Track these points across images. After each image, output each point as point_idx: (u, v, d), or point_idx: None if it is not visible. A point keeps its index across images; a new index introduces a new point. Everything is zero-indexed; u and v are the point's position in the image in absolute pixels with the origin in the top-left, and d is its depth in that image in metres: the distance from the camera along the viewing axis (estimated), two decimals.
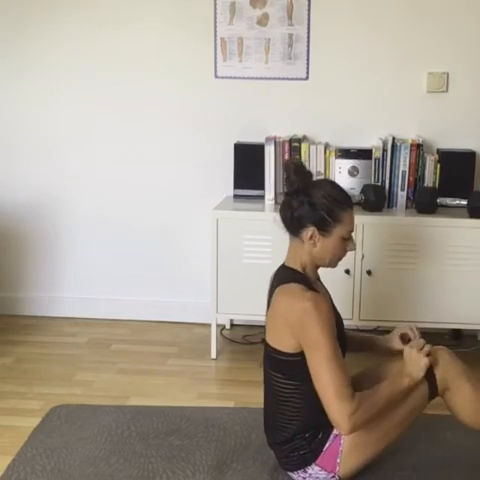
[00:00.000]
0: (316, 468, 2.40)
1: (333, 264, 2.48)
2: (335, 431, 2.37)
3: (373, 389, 2.33)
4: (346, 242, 2.42)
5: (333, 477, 2.41)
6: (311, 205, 2.35)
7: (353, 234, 2.45)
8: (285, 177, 2.42)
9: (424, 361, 2.34)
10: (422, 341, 2.42)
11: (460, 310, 3.52)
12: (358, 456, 2.39)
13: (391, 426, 2.39)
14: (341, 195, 2.41)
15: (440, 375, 2.42)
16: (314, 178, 2.47)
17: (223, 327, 4.05)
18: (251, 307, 3.63)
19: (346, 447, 2.37)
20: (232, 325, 4.12)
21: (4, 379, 3.43)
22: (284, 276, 2.43)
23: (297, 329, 2.29)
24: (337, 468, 2.39)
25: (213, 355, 3.70)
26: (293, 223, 2.40)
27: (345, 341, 2.49)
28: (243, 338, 3.94)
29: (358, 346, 2.65)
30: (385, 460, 2.61)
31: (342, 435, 2.35)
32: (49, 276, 4.22)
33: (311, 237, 2.37)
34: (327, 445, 2.38)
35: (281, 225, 2.44)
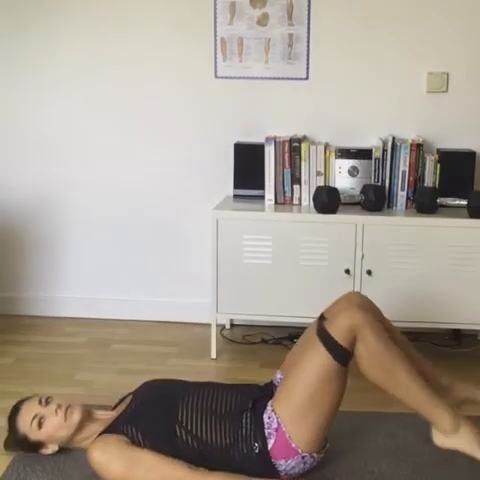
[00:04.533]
0: (282, 461, 2.40)
1: None
2: (268, 429, 2.38)
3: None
4: None
5: (304, 457, 2.40)
6: None
7: None
8: None
9: None
10: None
11: (460, 310, 3.51)
12: (304, 426, 2.37)
13: (312, 393, 2.35)
14: None
15: (345, 324, 2.30)
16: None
17: (223, 327, 4.05)
18: (251, 307, 3.65)
19: (290, 430, 2.37)
20: (232, 325, 4.12)
21: (4, 379, 3.43)
22: None
23: None
24: (299, 450, 2.38)
25: (213, 355, 3.70)
26: None
27: None
28: (243, 338, 3.94)
29: None
30: (384, 460, 2.61)
31: (280, 426, 2.37)
32: (49, 276, 4.22)
33: None
34: (272, 443, 2.38)
35: None
